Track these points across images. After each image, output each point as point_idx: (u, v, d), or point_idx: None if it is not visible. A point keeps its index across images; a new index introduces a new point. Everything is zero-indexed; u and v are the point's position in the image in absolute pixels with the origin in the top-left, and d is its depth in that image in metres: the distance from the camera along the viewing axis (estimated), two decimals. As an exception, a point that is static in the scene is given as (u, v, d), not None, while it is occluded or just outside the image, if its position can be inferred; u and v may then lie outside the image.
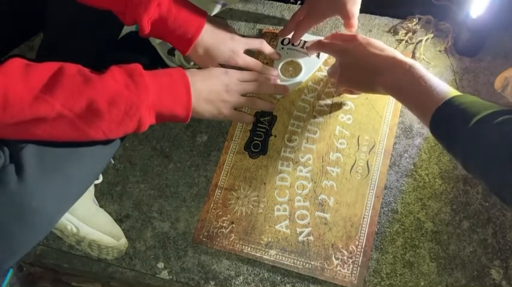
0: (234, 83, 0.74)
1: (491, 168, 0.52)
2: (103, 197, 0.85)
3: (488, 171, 0.53)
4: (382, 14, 0.92)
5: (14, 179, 0.58)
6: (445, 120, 0.58)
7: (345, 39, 0.74)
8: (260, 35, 0.93)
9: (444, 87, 0.60)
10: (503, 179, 0.50)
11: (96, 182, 0.84)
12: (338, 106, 0.82)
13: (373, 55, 0.68)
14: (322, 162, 0.79)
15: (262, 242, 0.76)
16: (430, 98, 0.60)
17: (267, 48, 0.82)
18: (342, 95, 0.83)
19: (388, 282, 0.72)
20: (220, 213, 0.79)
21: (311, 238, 0.74)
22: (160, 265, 0.79)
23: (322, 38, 0.84)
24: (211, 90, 0.71)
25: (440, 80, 0.62)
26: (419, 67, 0.64)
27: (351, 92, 0.81)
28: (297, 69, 0.86)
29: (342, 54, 0.74)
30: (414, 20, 0.88)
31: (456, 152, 0.57)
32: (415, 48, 0.86)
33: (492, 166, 0.52)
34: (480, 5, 0.76)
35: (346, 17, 0.77)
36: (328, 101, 0.83)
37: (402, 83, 0.64)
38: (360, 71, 0.71)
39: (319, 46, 0.80)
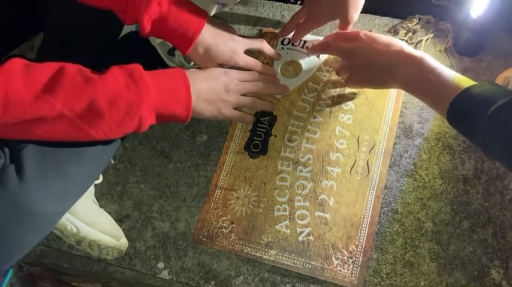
0: (234, 83, 0.75)
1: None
2: (103, 197, 0.85)
3: (509, 156, 0.54)
4: (382, 14, 0.92)
5: (14, 179, 0.58)
6: (463, 111, 0.59)
7: (349, 38, 0.74)
8: (260, 35, 0.93)
9: (457, 77, 0.62)
10: None
11: (96, 182, 0.84)
12: (338, 106, 0.82)
13: (381, 52, 0.69)
14: (322, 162, 0.79)
15: (262, 242, 0.76)
16: (444, 90, 0.61)
17: (267, 48, 0.82)
18: (346, 87, 0.83)
19: (388, 282, 0.72)
20: (220, 213, 0.79)
21: (311, 238, 0.74)
22: (161, 265, 0.79)
23: (321, 38, 0.84)
24: (211, 90, 0.71)
25: (451, 70, 0.63)
26: (430, 59, 0.65)
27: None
28: (297, 69, 0.86)
29: (348, 55, 0.74)
30: (414, 20, 0.88)
31: (476, 140, 0.59)
32: (415, 48, 0.86)
33: None
34: (480, 5, 0.76)
35: (346, 23, 0.77)
36: (328, 101, 0.83)
37: (415, 77, 0.65)
38: (370, 70, 0.71)
39: (322, 47, 0.80)
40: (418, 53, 0.66)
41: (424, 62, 0.64)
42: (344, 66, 0.77)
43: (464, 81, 0.61)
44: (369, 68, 0.71)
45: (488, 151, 0.58)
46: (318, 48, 0.82)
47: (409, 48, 0.67)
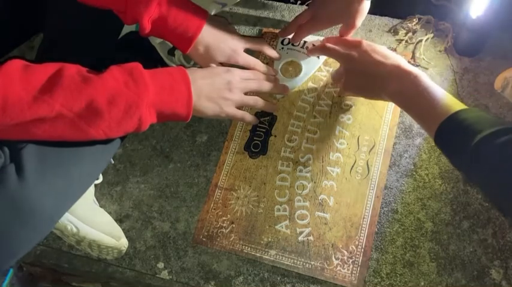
0: (237, 81, 0.74)
1: (493, 186, 0.53)
2: (103, 197, 0.85)
3: (490, 188, 0.55)
4: (382, 14, 0.92)
5: (14, 179, 0.58)
6: (449, 135, 0.59)
7: (350, 45, 0.74)
8: (260, 35, 0.93)
9: (449, 99, 0.61)
10: (505, 199, 0.52)
11: (96, 182, 0.84)
12: (338, 106, 0.82)
13: (378, 63, 0.69)
14: (322, 162, 0.79)
15: (262, 242, 0.76)
16: (434, 111, 0.61)
17: (267, 48, 0.82)
18: (343, 95, 0.83)
19: (388, 282, 0.72)
20: (220, 213, 0.79)
21: (311, 238, 0.74)
22: (160, 265, 0.79)
23: (321, 38, 0.84)
24: (212, 88, 0.71)
25: (445, 91, 0.62)
26: (425, 77, 0.64)
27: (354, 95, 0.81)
28: (297, 69, 0.86)
29: (347, 61, 0.74)
30: (414, 20, 0.88)
31: (460, 166, 0.59)
32: (415, 48, 0.86)
33: (494, 185, 0.53)
34: (480, 5, 0.76)
35: (349, 28, 0.77)
36: (328, 101, 0.83)
37: (407, 93, 0.65)
38: (365, 78, 0.71)
39: (322, 50, 0.80)
40: (415, 69, 0.65)
41: (419, 79, 0.64)
42: (340, 71, 0.77)
43: (455, 105, 0.60)
44: (363, 76, 0.71)
45: (471, 179, 0.58)
46: (317, 50, 0.81)
47: (406, 64, 0.67)
